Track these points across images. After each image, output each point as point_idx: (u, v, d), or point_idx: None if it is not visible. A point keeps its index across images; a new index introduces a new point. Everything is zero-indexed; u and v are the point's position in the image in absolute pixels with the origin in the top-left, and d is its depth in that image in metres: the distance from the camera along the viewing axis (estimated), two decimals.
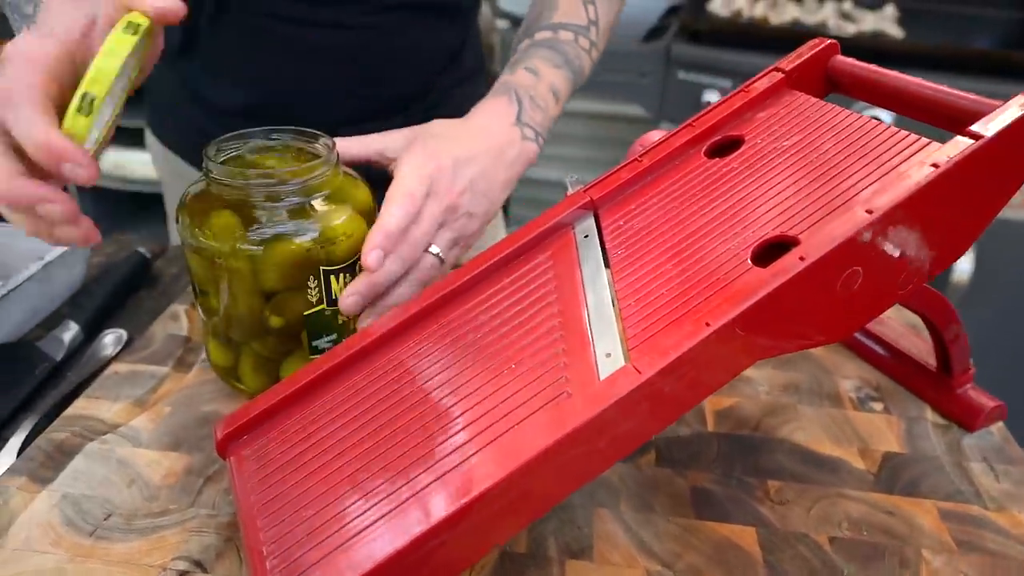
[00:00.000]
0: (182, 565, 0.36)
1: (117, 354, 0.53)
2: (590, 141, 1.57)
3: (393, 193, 0.46)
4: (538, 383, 0.34)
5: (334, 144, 0.45)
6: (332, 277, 0.44)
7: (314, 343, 0.45)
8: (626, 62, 1.44)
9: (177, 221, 0.44)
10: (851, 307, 0.34)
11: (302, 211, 0.42)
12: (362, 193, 0.46)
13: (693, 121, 0.43)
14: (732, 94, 0.43)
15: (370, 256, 0.43)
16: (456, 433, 0.33)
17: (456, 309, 0.40)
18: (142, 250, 0.64)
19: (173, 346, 0.52)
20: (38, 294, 0.56)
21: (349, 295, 0.44)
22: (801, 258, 0.32)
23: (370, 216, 0.46)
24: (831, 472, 0.45)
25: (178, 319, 0.56)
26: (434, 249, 0.48)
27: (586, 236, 0.40)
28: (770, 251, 0.34)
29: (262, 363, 0.46)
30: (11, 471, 0.41)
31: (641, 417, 0.32)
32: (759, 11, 1.43)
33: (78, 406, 0.47)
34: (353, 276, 0.45)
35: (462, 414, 0.34)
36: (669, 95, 1.45)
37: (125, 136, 1.67)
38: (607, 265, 0.38)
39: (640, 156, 0.42)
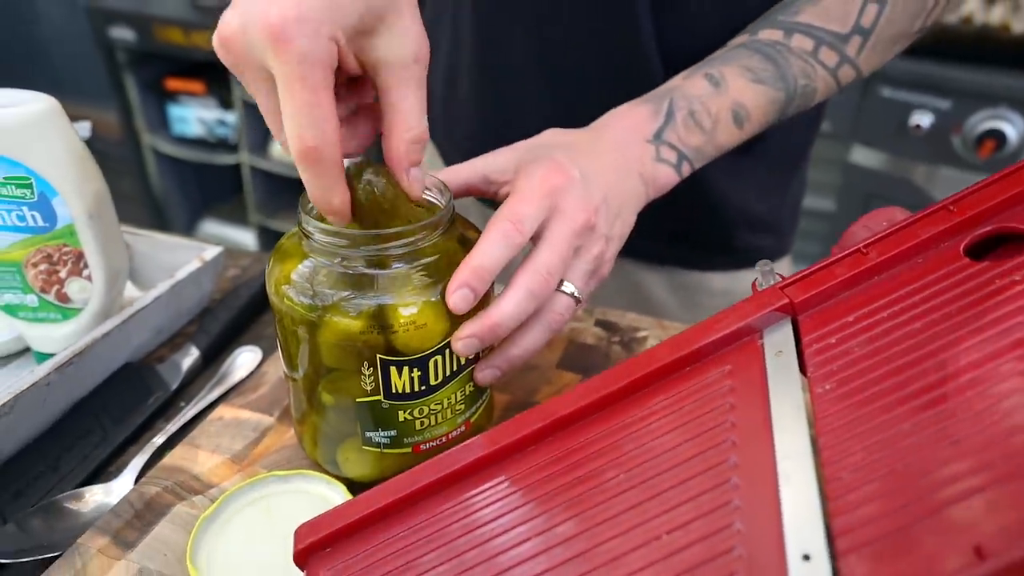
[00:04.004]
0: None
1: (228, 392, 0.50)
2: None
3: (498, 215, 0.37)
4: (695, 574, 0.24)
5: (451, 202, 0.37)
6: (392, 368, 0.35)
7: (367, 434, 0.38)
8: None
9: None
10: None
11: (365, 281, 0.35)
12: None
13: (949, 203, 0.31)
14: (1014, 168, 0.31)
15: (454, 297, 0.34)
16: None
17: (590, 430, 0.31)
18: None
19: (282, 391, 0.48)
20: (166, 312, 0.54)
21: (463, 337, 0.36)
22: None
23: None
24: None
25: None
26: (568, 287, 0.39)
27: (779, 353, 0.30)
28: None
29: (322, 437, 0.40)
30: (97, 529, 0.38)
31: None
32: (996, 16, 1.20)
33: (176, 455, 0.43)
34: (424, 370, 0.36)
35: None
36: (867, 113, 1.26)
37: None
38: (810, 407, 0.28)
39: (865, 245, 0.31)
